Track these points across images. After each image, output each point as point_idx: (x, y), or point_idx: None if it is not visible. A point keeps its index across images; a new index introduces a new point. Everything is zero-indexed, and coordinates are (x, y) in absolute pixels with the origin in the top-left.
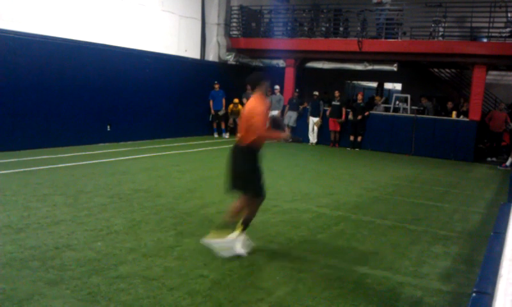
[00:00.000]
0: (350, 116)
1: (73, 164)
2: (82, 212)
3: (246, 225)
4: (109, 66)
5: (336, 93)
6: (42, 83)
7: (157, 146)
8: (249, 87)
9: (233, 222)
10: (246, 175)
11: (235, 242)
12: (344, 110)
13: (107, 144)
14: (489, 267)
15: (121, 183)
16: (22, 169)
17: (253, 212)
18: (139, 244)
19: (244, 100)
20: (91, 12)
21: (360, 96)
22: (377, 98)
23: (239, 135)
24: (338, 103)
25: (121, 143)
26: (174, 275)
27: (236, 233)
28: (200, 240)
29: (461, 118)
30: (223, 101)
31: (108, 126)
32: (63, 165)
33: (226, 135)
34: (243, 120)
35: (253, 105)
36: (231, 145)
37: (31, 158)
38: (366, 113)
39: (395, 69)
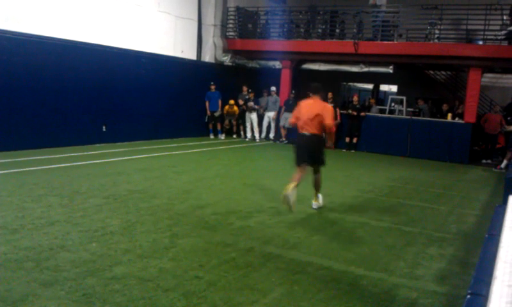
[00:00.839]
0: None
1: (69, 164)
2: (77, 212)
3: (318, 190)
4: (105, 66)
5: (329, 95)
6: (38, 83)
7: (152, 146)
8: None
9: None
10: (320, 153)
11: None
12: (338, 110)
13: (102, 144)
14: (484, 268)
15: (116, 184)
16: (17, 170)
17: (320, 178)
18: (134, 245)
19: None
20: (88, 12)
21: (355, 98)
22: (372, 100)
23: (308, 127)
24: (331, 105)
25: (117, 144)
26: (169, 276)
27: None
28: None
29: (457, 120)
30: (219, 102)
31: (104, 127)
32: (59, 165)
33: (222, 136)
34: (314, 117)
35: (325, 107)
36: (228, 146)
37: (26, 158)
38: (362, 114)
39: (391, 71)
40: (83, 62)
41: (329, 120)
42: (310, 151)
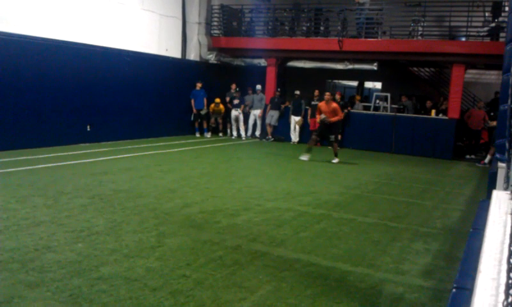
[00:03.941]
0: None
1: (53, 164)
2: (62, 213)
3: (336, 154)
4: (88, 65)
5: (316, 92)
6: (20, 83)
7: (138, 146)
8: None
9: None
10: (336, 133)
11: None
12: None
13: (87, 144)
14: (469, 262)
15: (102, 183)
16: (0, 170)
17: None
18: (120, 245)
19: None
20: (70, 11)
21: (338, 96)
22: (358, 97)
23: (329, 117)
24: (317, 103)
25: (102, 143)
26: (156, 275)
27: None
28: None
29: (440, 116)
30: (205, 100)
31: (88, 127)
32: (43, 166)
33: (208, 135)
34: (330, 111)
35: (336, 106)
36: (214, 145)
37: (10, 159)
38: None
39: (375, 68)
40: (66, 62)
41: (340, 114)
42: (329, 131)
